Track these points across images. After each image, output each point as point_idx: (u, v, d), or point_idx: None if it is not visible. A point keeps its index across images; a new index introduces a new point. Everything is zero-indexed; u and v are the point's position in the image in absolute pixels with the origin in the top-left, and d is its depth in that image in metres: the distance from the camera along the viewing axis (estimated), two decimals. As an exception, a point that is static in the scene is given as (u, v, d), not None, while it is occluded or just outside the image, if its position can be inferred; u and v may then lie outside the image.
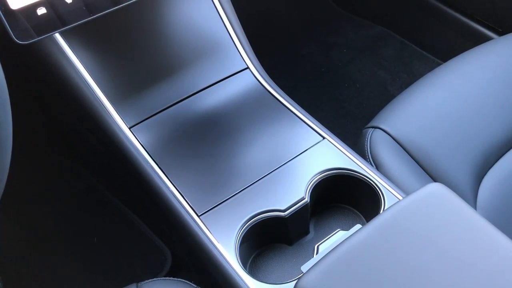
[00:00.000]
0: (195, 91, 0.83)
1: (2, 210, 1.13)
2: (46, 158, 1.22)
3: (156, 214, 0.85)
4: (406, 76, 1.46)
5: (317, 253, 0.63)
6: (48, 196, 1.20)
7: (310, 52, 1.57)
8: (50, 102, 1.06)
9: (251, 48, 0.90)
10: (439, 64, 1.47)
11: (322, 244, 0.63)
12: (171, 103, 0.82)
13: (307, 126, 0.79)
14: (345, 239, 0.53)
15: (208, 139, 0.78)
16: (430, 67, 1.47)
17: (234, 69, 0.87)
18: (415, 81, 1.43)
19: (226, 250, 0.65)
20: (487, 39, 1.32)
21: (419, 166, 0.81)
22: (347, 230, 0.72)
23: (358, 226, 0.63)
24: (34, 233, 1.16)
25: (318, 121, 0.81)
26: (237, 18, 0.90)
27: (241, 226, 0.67)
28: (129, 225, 1.12)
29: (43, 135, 1.21)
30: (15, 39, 0.59)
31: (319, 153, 0.75)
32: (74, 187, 1.21)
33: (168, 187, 0.73)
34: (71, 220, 1.17)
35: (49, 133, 1.21)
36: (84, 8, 0.62)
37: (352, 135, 1.31)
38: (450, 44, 1.44)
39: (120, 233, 1.13)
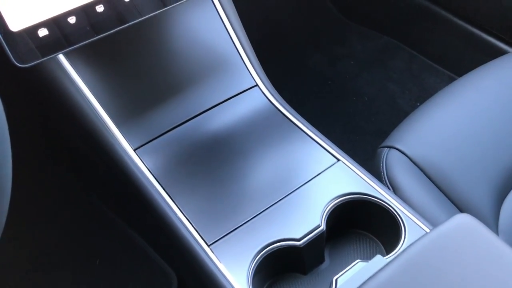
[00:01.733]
0: (202, 111, 0.80)
1: (4, 231, 1.10)
2: (48, 178, 1.19)
3: (163, 240, 0.82)
4: (416, 89, 1.42)
5: (335, 286, 0.59)
6: (51, 215, 1.17)
7: (316, 64, 1.54)
8: (52, 123, 1.02)
9: (260, 64, 0.87)
10: (449, 76, 1.44)
11: (342, 277, 0.59)
12: (178, 123, 0.78)
13: (321, 147, 0.76)
14: (371, 278, 0.49)
15: (216, 161, 0.75)
16: (440, 79, 1.43)
17: (243, 86, 0.83)
18: (425, 93, 1.41)
19: (239, 283, 0.61)
20: (497, 50, 1.30)
21: (437, 189, 0.77)
22: (365, 258, 0.68)
23: (379, 257, 0.60)
24: (36, 254, 1.13)
25: (326, 136, 0.78)
26: (244, 33, 0.87)
27: (254, 257, 0.63)
28: (133, 247, 1.09)
29: (45, 154, 1.18)
30: (15, 62, 0.55)
31: (334, 176, 0.72)
32: (78, 207, 1.18)
33: (175, 214, 0.69)
34: (74, 241, 1.14)
35: (52, 153, 1.18)
36: (88, 28, 0.58)
37: (362, 150, 1.28)
38: (460, 56, 1.40)
39: (124, 254, 1.09)
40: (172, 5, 0.64)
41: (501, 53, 1.28)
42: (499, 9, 1.21)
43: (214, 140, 0.78)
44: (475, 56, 1.35)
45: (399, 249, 0.64)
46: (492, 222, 0.77)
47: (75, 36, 0.58)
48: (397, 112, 1.37)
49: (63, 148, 1.13)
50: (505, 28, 1.25)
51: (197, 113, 0.80)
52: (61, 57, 0.73)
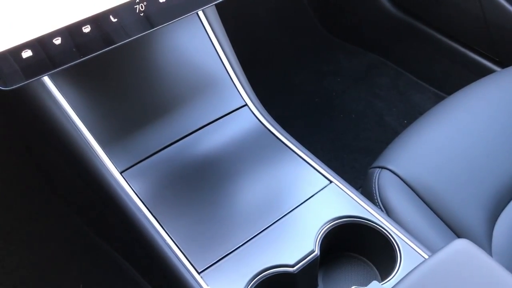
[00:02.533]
0: (190, 131, 0.78)
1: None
2: (32, 202, 1.15)
3: (151, 266, 0.79)
4: (403, 106, 1.43)
5: (331, 315, 0.57)
6: (34, 239, 1.13)
7: (303, 81, 1.53)
8: (35, 145, 0.99)
9: (249, 84, 0.86)
10: (435, 94, 1.45)
11: (338, 305, 0.57)
12: (165, 145, 0.76)
13: (312, 169, 0.74)
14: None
15: (206, 184, 0.73)
16: (426, 96, 1.44)
17: (232, 106, 0.82)
18: (411, 110, 1.42)
19: (231, 312, 0.59)
20: (483, 68, 1.31)
21: (430, 210, 0.77)
22: (359, 283, 0.67)
23: (375, 283, 0.58)
24: (19, 277, 1.08)
25: (313, 154, 0.77)
26: (233, 51, 0.86)
27: (247, 285, 0.61)
28: (119, 272, 1.05)
29: (29, 178, 1.14)
30: (-3, 85, 0.53)
31: (327, 198, 0.70)
32: (62, 231, 1.14)
33: (164, 240, 0.67)
34: (58, 266, 1.10)
35: (36, 176, 1.15)
36: (74, 49, 0.56)
37: (351, 168, 1.27)
38: (445, 73, 1.41)
39: (109, 279, 1.06)
40: (159, 27, 0.63)
41: (485, 70, 1.29)
42: (484, 27, 1.22)
43: (203, 162, 0.76)
44: (461, 74, 1.36)
45: (395, 274, 0.62)
46: (486, 243, 0.77)
47: (61, 58, 0.56)
48: (384, 129, 1.37)
49: (47, 171, 1.10)
50: (489, 46, 1.27)
51: (186, 134, 0.78)
52: (45, 77, 0.70)
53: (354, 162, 1.29)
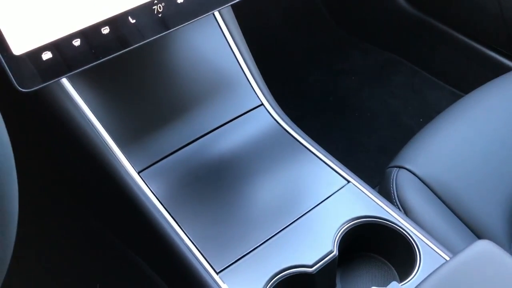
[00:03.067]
0: (207, 131, 0.78)
1: None
2: (49, 201, 1.16)
3: (169, 266, 0.79)
4: (418, 104, 1.41)
5: (351, 316, 0.57)
6: (52, 240, 1.14)
7: (317, 79, 1.52)
8: (53, 145, 1.00)
9: (265, 83, 0.86)
10: (451, 92, 1.43)
11: (357, 306, 0.57)
12: (183, 145, 0.76)
13: (330, 168, 0.74)
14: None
15: (223, 184, 0.73)
16: (443, 94, 1.42)
17: (248, 106, 0.82)
18: (427, 109, 1.40)
19: (250, 312, 0.59)
20: (500, 65, 1.29)
21: (449, 210, 0.76)
22: (378, 284, 0.67)
23: (395, 284, 0.58)
24: (37, 279, 1.10)
25: (329, 153, 0.76)
26: (249, 51, 0.86)
27: (265, 285, 0.61)
28: (137, 272, 1.06)
29: (46, 179, 1.15)
30: (18, 87, 0.53)
31: (344, 198, 0.70)
32: (80, 232, 1.15)
33: (182, 240, 0.67)
34: (74, 266, 1.11)
35: (53, 176, 1.15)
36: (93, 51, 0.56)
37: (366, 167, 1.26)
38: (462, 71, 1.40)
39: (127, 280, 1.06)
40: (177, 27, 0.63)
41: (503, 68, 1.28)
42: (502, 25, 1.21)
43: (220, 162, 0.76)
44: (478, 72, 1.35)
45: (415, 275, 0.62)
46: (506, 243, 0.76)
47: (79, 60, 0.56)
48: (400, 128, 1.36)
49: (65, 173, 1.11)
50: (507, 44, 1.25)
51: (202, 134, 0.78)
52: (63, 79, 0.71)
53: (369, 161, 1.28)
